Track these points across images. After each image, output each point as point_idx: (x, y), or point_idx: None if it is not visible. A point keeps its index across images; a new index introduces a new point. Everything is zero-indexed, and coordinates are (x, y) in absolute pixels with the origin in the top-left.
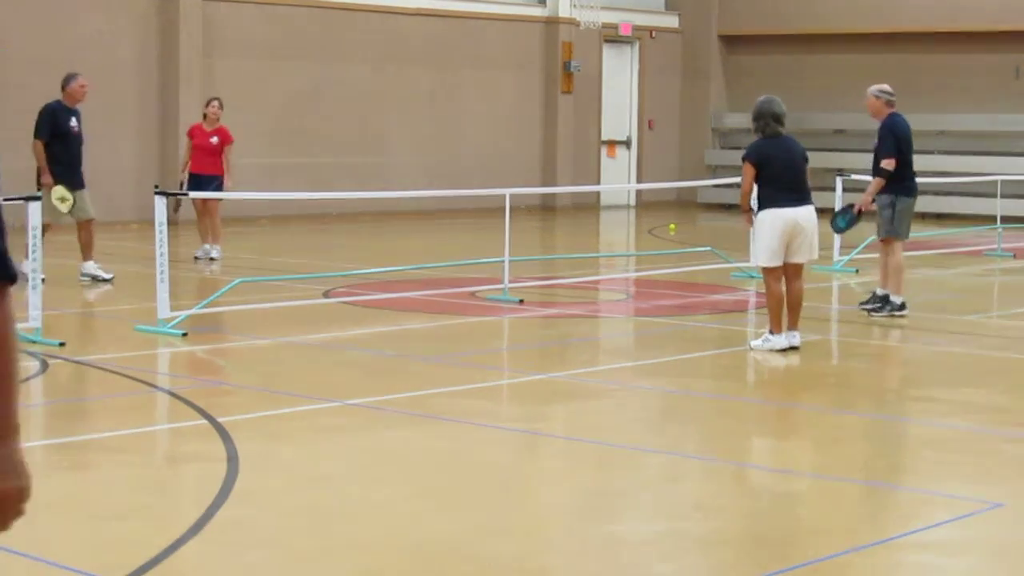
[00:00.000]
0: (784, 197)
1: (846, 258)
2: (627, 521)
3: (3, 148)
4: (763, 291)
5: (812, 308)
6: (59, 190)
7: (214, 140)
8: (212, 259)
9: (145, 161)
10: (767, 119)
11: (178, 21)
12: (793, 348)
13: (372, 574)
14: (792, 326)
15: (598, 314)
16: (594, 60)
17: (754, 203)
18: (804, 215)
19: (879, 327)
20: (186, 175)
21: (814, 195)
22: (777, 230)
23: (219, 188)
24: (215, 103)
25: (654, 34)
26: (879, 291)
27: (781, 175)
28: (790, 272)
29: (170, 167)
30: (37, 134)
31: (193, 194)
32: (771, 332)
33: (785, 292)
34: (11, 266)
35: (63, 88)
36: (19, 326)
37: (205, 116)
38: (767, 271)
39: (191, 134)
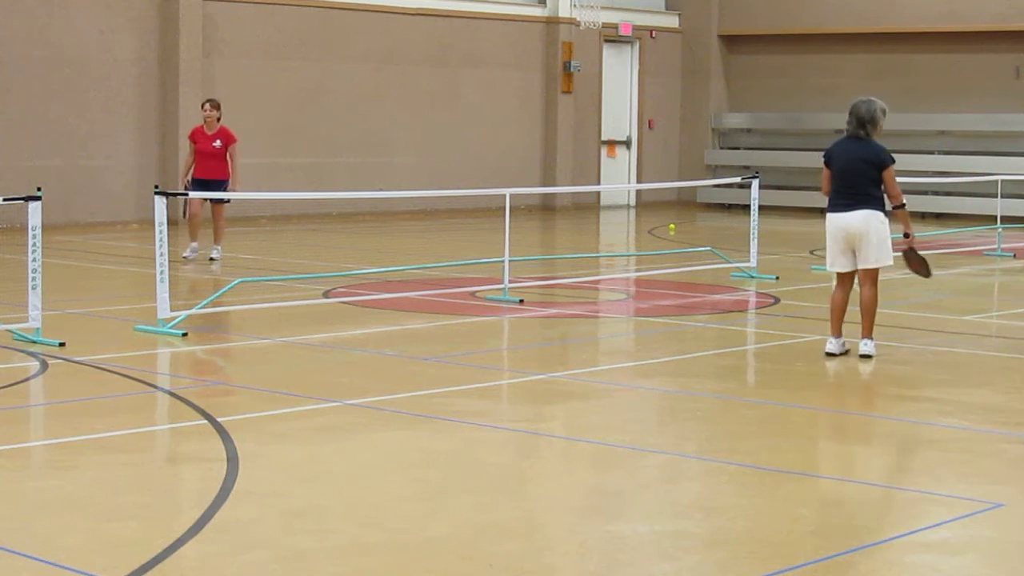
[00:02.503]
0: (836, 201)
1: None
2: (627, 521)
3: (4, 147)
4: (763, 291)
5: (811, 308)
6: None
7: (217, 144)
8: (212, 259)
9: (145, 161)
10: (850, 117)
11: (178, 21)
12: (865, 357)
13: (372, 574)
14: (863, 333)
15: (598, 314)
16: (594, 60)
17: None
18: (854, 221)
19: (876, 327)
20: (189, 179)
21: (814, 196)
22: (831, 235)
23: (225, 191)
24: (207, 105)
25: (654, 34)
26: None
27: (837, 177)
28: (859, 277)
29: (170, 167)
30: None
31: (194, 194)
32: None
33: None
34: None
35: None
36: (19, 326)
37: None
38: (835, 275)
39: (193, 138)
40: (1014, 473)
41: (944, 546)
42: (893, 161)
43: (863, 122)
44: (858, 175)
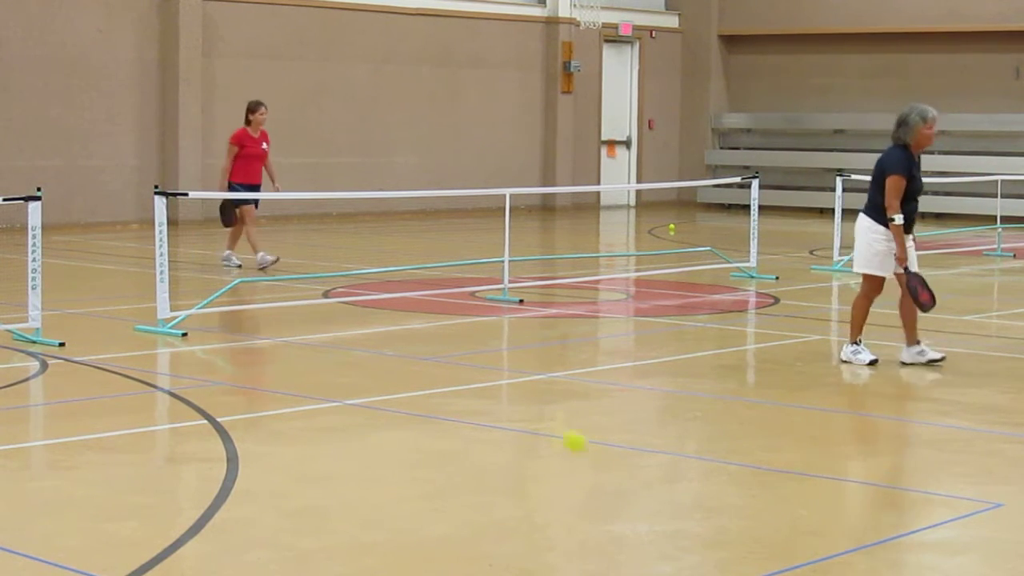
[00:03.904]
0: None
1: (846, 258)
2: (627, 521)
3: (4, 147)
4: (763, 291)
5: (811, 308)
6: None
7: (265, 146)
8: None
9: (145, 161)
10: None
11: (178, 21)
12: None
13: (372, 574)
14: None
15: (598, 314)
16: (594, 60)
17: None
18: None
19: (877, 327)
20: (226, 183)
21: (814, 196)
22: None
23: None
24: (263, 108)
25: (654, 34)
26: None
27: None
28: None
29: (170, 167)
30: None
31: (194, 194)
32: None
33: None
34: None
35: None
36: (19, 326)
37: (249, 122)
38: None
39: (240, 143)
40: (1014, 473)
41: (944, 546)
42: (896, 172)
43: (895, 125)
44: (873, 179)
